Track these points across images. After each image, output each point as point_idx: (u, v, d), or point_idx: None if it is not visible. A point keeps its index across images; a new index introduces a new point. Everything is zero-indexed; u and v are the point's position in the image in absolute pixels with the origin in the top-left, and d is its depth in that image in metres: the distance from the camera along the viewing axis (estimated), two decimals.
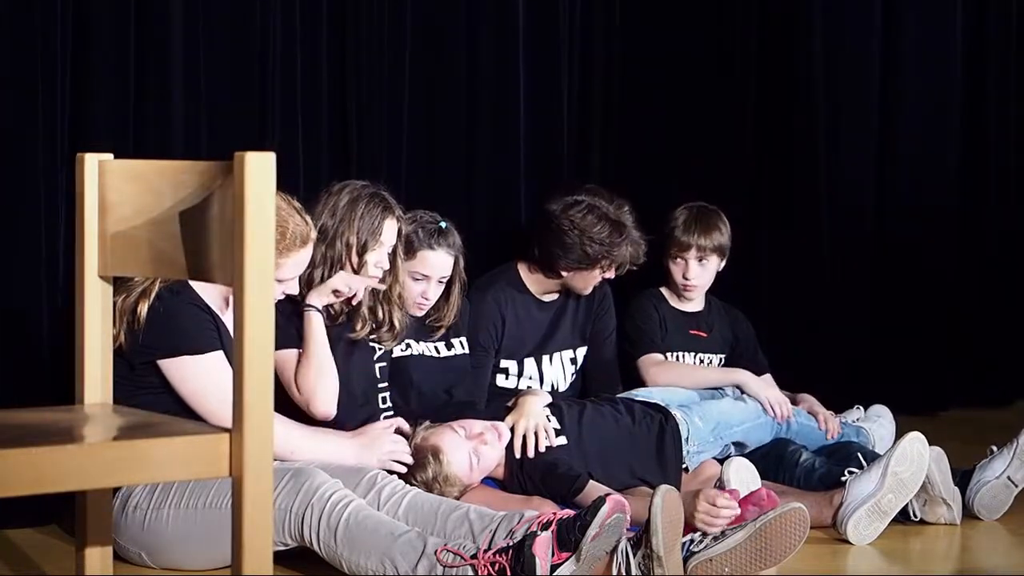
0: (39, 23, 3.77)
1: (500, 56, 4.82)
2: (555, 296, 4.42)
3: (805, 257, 5.50)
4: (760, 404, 4.20)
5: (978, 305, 5.86)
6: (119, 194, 2.30)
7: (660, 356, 4.45)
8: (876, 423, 4.52)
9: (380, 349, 3.88)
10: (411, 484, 3.41)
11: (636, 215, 4.34)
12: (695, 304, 4.62)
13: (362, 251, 3.74)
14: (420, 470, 3.53)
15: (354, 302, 3.78)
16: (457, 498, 3.51)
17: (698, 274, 4.51)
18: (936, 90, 5.79)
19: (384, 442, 3.53)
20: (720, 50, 5.37)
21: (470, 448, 3.63)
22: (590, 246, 4.23)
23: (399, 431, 3.62)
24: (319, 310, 3.68)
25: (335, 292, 3.73)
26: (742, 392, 4.27)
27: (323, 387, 3.61)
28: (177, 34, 4.04)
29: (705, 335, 4.61)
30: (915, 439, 3.67)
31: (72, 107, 3.86)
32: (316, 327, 3.66)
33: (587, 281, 4.33)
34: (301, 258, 3.45)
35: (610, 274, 4.34)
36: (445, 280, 4.00)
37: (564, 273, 4.30)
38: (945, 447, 3.83)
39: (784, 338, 5.22)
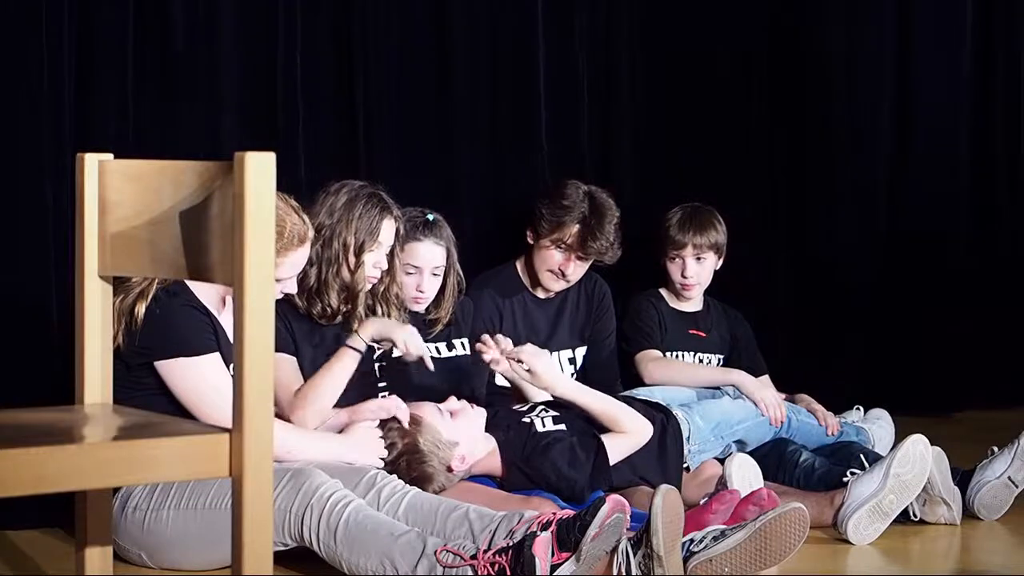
0: (43, 22, 3.77)
1: (518, 52, 4.81)
2: (553, 293, 4.42)
3: (818, 256, 5.50)
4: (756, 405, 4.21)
5: (992, 305, 5.84)
6: (119, 194, 2.30)
7: (657, 352, 4.46)
8: (876, 425, 4.52)
9: (379, 348, 3.88)
10: (396, 451, 3.49)
11: (623, 228, 4.32)
12: (694, 304, 4.63)
13: (359, 251, 3.74)
14: (398, 433, 3.57)
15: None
16: (448, 471, 3.57)
17: (696, 272, 4.52)
18: (947, 89, 5.79)
19: (375, 437, 3.53)
20: (736, 47, 5.37)
21: (437, 406, 3.67)
22: (547, 206, 4.27)
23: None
24: (359, 351, 3.68)
25: (382, 341, 3.74)
26: (739, 392, 4.26)
27: (315, 411, 3.60)
28: (181, 34, 4.04)
29: (704, 335, 4.62)
30: (918, 441, 3.67)
31: (76, 107, 3.86)
32: (348, 364, 3.66)
33: (541, 259, 4.32)
34: (299, 257, 3.45)
35: (569, 269, 4.30)
36: (439, 272, 4.00)
37: (528, 236, 4.33)
38: (957, 448, 3.83)
39: (794, 338, 5.23)
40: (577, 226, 4.26)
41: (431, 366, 3.75)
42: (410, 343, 3.70)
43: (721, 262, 4.58)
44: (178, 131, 4.06)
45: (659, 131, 5.22)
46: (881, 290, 5.65)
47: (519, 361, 3.77)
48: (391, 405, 3.60)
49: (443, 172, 4.68)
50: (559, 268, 4.31)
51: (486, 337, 3.83)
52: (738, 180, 5.28)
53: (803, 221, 5.51)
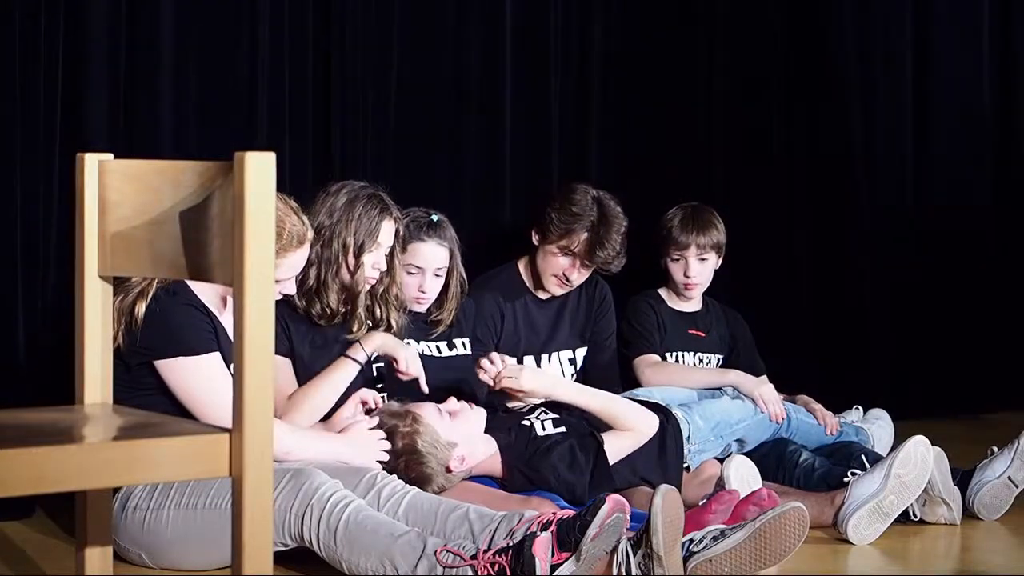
0: (31, 23, 3.78)
1: (487, 55, 4.83)
2: (552, 294, 4.42)
3: (838, 258, 5.53)
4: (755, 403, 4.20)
5: (1012, 307, 5.84)
6: (119, 194, 2.30)
7: (655, 357, 4.46)
8: (875, 425, 4.52)
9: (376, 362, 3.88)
10: (394, 447, 3.50)
11: (627, 236, 4.31)
12: (693, 304, 4.63)
13: (359, 252, 3.74)
14: (397, 434, 3.57)
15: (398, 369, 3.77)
16: (447, 471, 3.57)
17: (698, 271, 4.53)
18: (967, 90, 5.80)
19: (374, 437, 3.53)
20: (749, 43, 5.39)
21: (436, 406, 3.67)
22: (555, 212, 4.25)
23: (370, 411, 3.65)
24: (359, 363, 3.70)
25: (386, 355, 3.74)
26: (738, 392, 4.26)
27: (307, 415, 3.60)
28: (168, 35, 4.05)
29: (703, 335, 4.62)
30: (919, 442, 3.67)
31: (63, 107, 3.87)
32: (347, 374, 3.68)
33: (547, 263, 4.32)
34: (298, 259, 3.45)
35: (574, 274, 4.31)
36: (442, 273, 4.00)
37: (533, 237, 4.32)
38: (961, 448, 3.83)
39: (796, 338, 5.23)
40: (585, 234, 4.25)
41: (425, 389, 3.75)
42: (411, 363, 3.72)
43: (720, 261, 4.58)
44: (166, 131, 4.06)
45: (660, 129, 5.24)
46: (893, 292, 5.65)
47: (511, 377, 3.78)
48: (359, 399, 3.62)
49: (427, 175, 4.69)
50: (563, 273, 4.32)
51: (483, 361, 3.83)
52: (745, 180, 5.29)
53: (816, 221, 5.52)
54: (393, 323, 3.87)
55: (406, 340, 3.97)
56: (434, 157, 4.74)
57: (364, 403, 3.65)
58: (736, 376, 4.32)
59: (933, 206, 5.73)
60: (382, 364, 3.89)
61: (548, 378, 3.93)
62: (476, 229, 4.64)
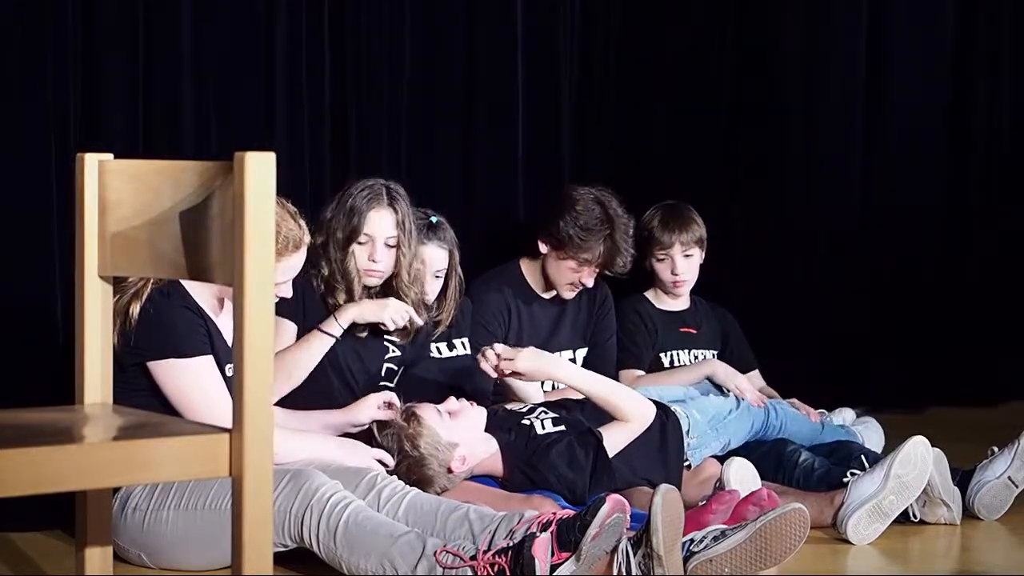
0: (49, 22, 3.78)
1: (498, 55, 4.84)
2: (555, 292, 4.42)
3: (832, 258, 5.54)
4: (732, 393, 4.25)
5: (978, 303, 5.84)
6: (119, 194, 2.30)
7: (638, 372, 4.49)
8: (864, 427, 4.54)
9: (392, 350, 3.87)
10: (392, 447, 3.53)
11: (634, 231, 4.34)
12: (682, 302, 4.67)
13: (346, 243, 3.75)
14: (393, 429, 3.58)
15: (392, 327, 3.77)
16: (449, 472, 3.58)
17: (685, 268, 4.55)
18: (924, 89, 5.79)
19: (367, 449, 3.53)
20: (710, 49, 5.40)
21: (436, 407, 3.67)
22: (569, 226, 4.23)
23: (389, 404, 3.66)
24: (336, 336, 3.69)
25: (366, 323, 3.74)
26: (713, 383, 4.29)
27: (276, 382, 3.60)
28: (186, 34, 4.05)
29: (695, 331, 4.64)
30: (919, 443, 3.67)
31: (82, 107, 3.87)
32: (318, 347, 3.68)
33: (561, 273, 4.32)
34: (294, 262, 3.45)
35: (588, 279, 4.32)
36: (442, 275, 4.00)
37: (542, 247, 4.31)
38: (972, 449, 3.85)
39: (780, 340, 5.24)
40: (602, 247, 4.25)
41: (419, 321, 3.76)
42: (395, 315, 3.71)
43: (704, 255, 4.60)
44: (188, 131, 4.06)
45: (648, 133, 5.25)
46: (863, 288, 5.66)
47: (513, 373, 3.78)
48: (380, 402, 3.62)
49: (439, 174, 4.70)
50: (579, 280, 4.32)
51: (485, 350, 3.83)
52: (727, 179, 5.31)
53: (786, 221, 5.53)
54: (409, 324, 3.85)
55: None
56: (447, 156, 4.74)
57: (389, 404, 3.65)
58: (713, 366, 4.37)
59: (925, 206, 5.75)
60: (394, 365, 3.89)
61: (545, 358, 3.88)
62: (488, 228, 4.65)
